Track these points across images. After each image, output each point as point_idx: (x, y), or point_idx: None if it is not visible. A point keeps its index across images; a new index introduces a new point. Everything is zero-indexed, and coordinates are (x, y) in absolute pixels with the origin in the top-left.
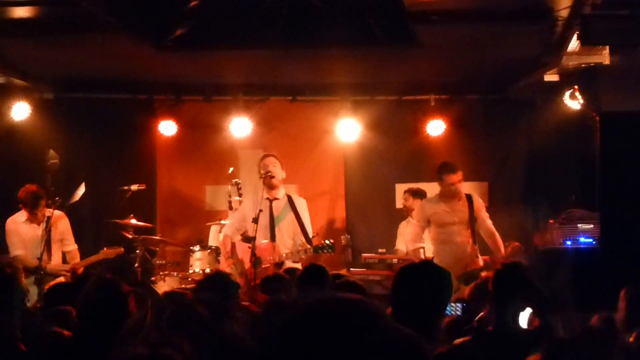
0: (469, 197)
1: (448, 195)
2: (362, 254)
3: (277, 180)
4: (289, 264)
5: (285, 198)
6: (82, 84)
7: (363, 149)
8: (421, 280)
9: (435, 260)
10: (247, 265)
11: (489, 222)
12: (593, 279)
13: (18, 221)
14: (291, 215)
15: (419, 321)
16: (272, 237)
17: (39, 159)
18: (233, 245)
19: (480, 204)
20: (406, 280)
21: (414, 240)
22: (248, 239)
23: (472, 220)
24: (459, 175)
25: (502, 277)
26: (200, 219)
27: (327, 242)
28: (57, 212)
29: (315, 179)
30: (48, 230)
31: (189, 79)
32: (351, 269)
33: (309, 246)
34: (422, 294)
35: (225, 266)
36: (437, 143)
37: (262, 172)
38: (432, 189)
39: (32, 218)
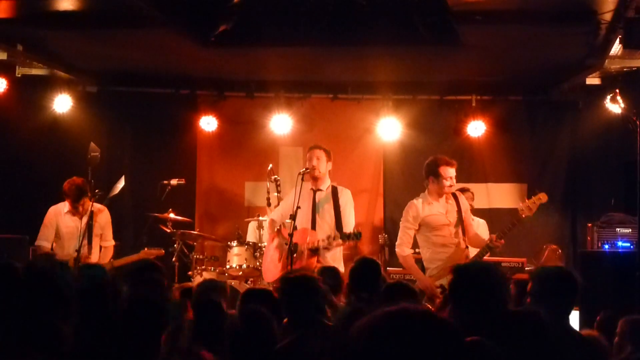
0: (454, 196)
1: (440, 193)
2: (396, 250)
3: (319, 173)
4: (327, 258)
5: (330, 189)
6: (125, 78)
7: (403, 148)
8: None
9: (429, 265)
10: (285, 252)
11: (473, 223)
12: (631, 283)
13: (60, 211)
14: (331, 205)
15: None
16: (313, 226)
17: (80, 151)
18: (279, 229)
19: (466, 204)
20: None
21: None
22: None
23: (460, 220)
24: (455, 171)
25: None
26: (239, 214)
27: (354, 230)
28: (98, 205)
29: (355, 177)
30: (90, 225)
31: (231, 75)
32: (388, 267)
33: (337, 233)
34: (484, 294)
35: (271, 245)
36: (478, 144)
37: (307, 165)
38: (476, 189)
39: (74, 211)
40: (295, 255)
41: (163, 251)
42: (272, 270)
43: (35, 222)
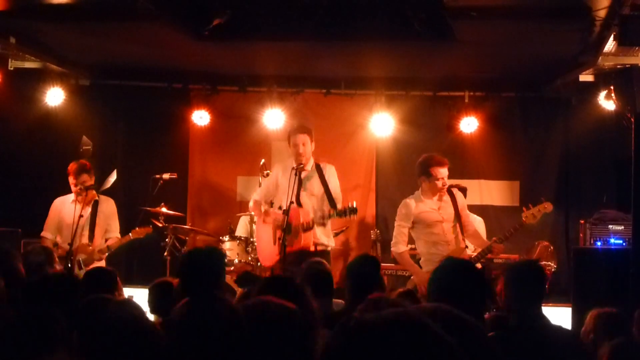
0: (449, 192)
1: (432, 191)
2: (392, 249)
3: (306, 158)
4: (319, 234)
5: (314, 167)
6: (118, 71)
7: (396, 143)
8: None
9: (425, 263)
10: (279, 233)
11: (471, 220)
12: (623, 280)
13: (65, 201)
14: (318, 182)
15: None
16: (298, 203)
17: (73, 144)
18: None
19: (462, 200)
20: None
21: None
22: (280, 208)
23: (458, 217)
24: (447, 170)
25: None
26: (231, 209)
27: (349, 205)
28: (105, 197)
29: (347, 172)
30: (93, 214)
31: (224, 69)
32: (380, 264)
33: (332, 210)
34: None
35: (262, 228)
36: (470, 140)
37: (295, 162)
38: (468, 185)
39: (78, 198)
40: (291, 235)
41: (151, 228)
42: (269, 253)
43: (27, 215)
